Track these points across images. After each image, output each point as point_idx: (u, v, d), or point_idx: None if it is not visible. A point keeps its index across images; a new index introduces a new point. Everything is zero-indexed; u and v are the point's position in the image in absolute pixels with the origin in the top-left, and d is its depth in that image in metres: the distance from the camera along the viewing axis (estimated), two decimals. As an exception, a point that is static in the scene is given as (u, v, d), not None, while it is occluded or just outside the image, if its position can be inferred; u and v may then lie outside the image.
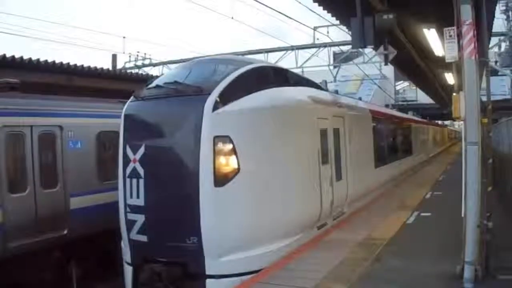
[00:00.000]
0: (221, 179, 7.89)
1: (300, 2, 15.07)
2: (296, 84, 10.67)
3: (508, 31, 26.99)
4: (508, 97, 30.28)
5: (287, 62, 26.59)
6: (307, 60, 26.72)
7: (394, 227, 10.92)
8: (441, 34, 8.89)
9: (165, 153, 8.25)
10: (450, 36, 7.46)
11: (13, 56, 11.59)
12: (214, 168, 7.87)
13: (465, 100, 7.07)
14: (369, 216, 12.52)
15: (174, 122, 8.30)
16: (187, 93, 8.34)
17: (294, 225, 9.00)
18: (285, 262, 8.25)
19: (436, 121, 50.26)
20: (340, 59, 29.96)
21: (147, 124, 8.69)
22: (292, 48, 26.38)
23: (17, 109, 9.40)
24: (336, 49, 27.98)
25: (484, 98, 8.83)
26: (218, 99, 8.04)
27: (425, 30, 11.28)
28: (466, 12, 7.00)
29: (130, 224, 8.42)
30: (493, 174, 12.00)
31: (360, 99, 20.50)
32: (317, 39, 25.73)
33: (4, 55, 11.40)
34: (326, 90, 13.91)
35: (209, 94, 8.08)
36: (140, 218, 8.28)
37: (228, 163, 8.04)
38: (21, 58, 11.79)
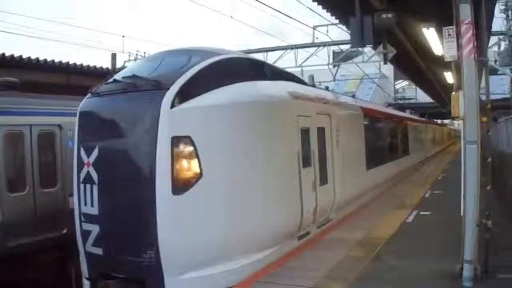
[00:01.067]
0: (180, 186, 6.98)
1: (299, 1, 15.05)
2: (275, 78, 9.48)
3: (508, 30, 27.00)
4: (508, 96, 30.27)
5: (287, 61, 26.51)
6: (306, 59, 26.70)
7: (393, 226, 10.93)
8: (440, 33, 8.88)
9: (119, 156, 7.36)
10: (449, 35, 7.47)
11: (12, 55, 11.59)
12: (172, 173, 6.94)
13: (464, 99, 7.08)
14: (369, 215, 12.52)
15: (129, 121, 7.38)
16: (145, 87, 7.41)
17: (270, 236, 8.00)
18: (284, 261, 8.24)
19: (435, 120, 50.26)
20: (340, 58, 29.93)
21: (101, 123, 7.78)
22: (292, 47, 26.35)
23: (17, 108, 9.40)
24: (335, 48, 27.95)
25: (484, 97, 8.85)
26: (178, 95, 7.12)
27: (424, 29, 11.29)
28: (465, 11, 7.00)
29: (85, 235, 7.60)
30: (493, 173, 12.01)
31: (353, 96, 19.86)
32: (317, 38, 25.72)
33: (3, 54, 11.40)
34: (313, 85, 13.17)
35: (168, 88, 7.16)
36: (95, 229, 7.45)
37: (189, 168, 7.12)
38: (20, 57, 11.80)
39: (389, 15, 9.84)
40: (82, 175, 7.65)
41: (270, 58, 26.17)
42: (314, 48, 26.21)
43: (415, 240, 9.73)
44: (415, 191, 17.13)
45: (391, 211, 12.95)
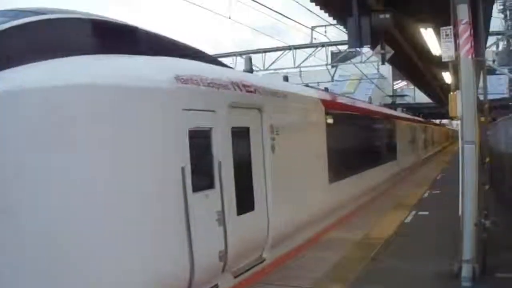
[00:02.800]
0: None
1: (297, 2, 15.06)
2: (160, 52, 6.56)
3: (506, 30, 27.03)
4: (506, 96, 30.31)
5: (285, 62, 26.52)
6: (304, 60, 26.71)
7: (392, 226, 10.94)
8: (438, 33, 8.89)
9: None
10: (447, 35, 7.49)
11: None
12: None
13: (462, 99, 7.10)
14: (367, 215, 12.54)
15: None
16: None
17: None
18: (283, 261, 8.23)
19: (431, 119, 50.18)
20: (338, 59, 29.95)
21: None
22: (290, 47, 26.35)
23: None
24: (333, 48, 27.97)
25: (482, 97, 8.87)
26: None
27: (422, 30, 11.30)
28: (463, 12, 7.01)
29: None
30: (491, 173, 12.03)
31: (345, 94, 18.45)
32: (315, 38, 25.72)
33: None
34: (251, 71, 10.43)
35: None
36: None
37: None
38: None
39: (387, 15, 9.84)
40: None
41: (268, 59, 26.24)
42: (312, 49, 26.21)
43: (414, 240, 9.74)
44: (413, 191, 17.15)
45: (390, 211, 12.96)
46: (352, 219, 11.98)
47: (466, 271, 6.84)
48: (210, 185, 6.44)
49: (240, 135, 7.42)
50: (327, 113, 11.55)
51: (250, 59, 10.72)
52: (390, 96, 36.79)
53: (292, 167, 8.93)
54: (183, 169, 5.77)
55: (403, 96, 42.44)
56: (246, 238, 7.11)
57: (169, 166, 5.72)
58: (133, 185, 5.29)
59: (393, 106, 33.60)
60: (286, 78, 13.08)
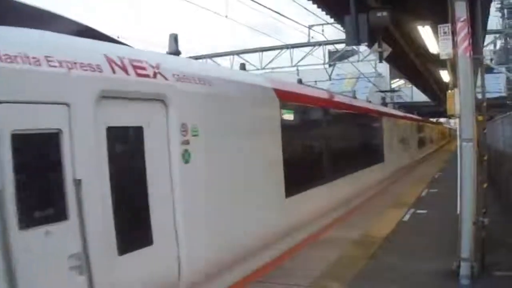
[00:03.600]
0: None
1: (294, 0, 15.04)
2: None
3: (504, 29, 27.06)
4: (503, 94, 30.35)
5: (282, 61, 26.48)
6: (302, 59, 26.68)
7: (390, 225, 10.93)
8: (435, 31, 8.88)
9: None
10: (445, 33, 7.47)
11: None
12: None
13: (460, 97, 7.09)
14: (365, 213, 12.52)
15: None
16: None
17: None
18: (281, 260, 8.21)
19: (429, 118, 50.18)
20: (335, 58, 29.94)
21: None
22: (287, 46, 26.31)
23: None
24: (331, 47, 27.95)
25: (480, 96, 8.86)
26: None
27: (420, 27, 11.29)
28: (461, 9, 7.00)
29: None
30: (489, 171, 12.05)
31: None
32: (312, 37, 25.70)
33: None
34: (177, 53, 7.74)
35: None
36: None
37: None
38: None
39: (384, 13, 9.81)
40: None
41: (265, 58, 26.21)
42: (310, 48, 26.19)
43: (412, 238, 9.72)
44: (411, 189, 17.16)
45: (388, 210, 12.95)
46: (350, 217, 11.97)
47: (464, 269, 6.83)
48: (58, 216, 4.36)
49: (125, 139, 5.49)
50: (283, 107, 9.21)
51: (175, 37, 7.87)
52: (381, 91, 36.21)
53: (223, 180, 6.84)
54: None
55: (394, 91, 41.99)
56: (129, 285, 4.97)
57: None
58: None
59: (390, 104, 33.56)
60: (243, 67, 11.28)
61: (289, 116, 9.54)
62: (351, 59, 30.20)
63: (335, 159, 12.23)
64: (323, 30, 25.03)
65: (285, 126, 9.11)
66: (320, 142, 11.81)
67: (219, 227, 6.62)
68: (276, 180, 8.65)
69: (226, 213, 6.82)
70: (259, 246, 7.65)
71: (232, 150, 7.23)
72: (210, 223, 6.44)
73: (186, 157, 5.99)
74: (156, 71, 5.80)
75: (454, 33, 7.20)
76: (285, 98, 9.39)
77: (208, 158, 6.49)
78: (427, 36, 11.62)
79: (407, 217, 12.00)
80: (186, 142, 6.01)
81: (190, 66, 7.22)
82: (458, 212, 7.16)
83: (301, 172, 9.71)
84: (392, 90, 41.33)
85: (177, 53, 7.75)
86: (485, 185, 7.67)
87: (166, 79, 5.89)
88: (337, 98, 14.65)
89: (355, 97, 19.11)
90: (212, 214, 6.49)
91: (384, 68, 38.83)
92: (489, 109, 9.96)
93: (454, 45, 7.23)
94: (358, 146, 15.38)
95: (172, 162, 5.82)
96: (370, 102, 22.14)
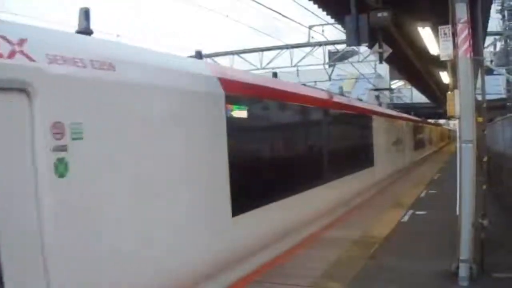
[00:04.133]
0: None
1: (295, 1, 15.04)
2: None
3: (504, 31, 27.06)
4: (503, 96, 30.36)
5: (283, 61, 26.49)
6: (301, 59, 26.70)
7: (389, 226, 10.93)
8: (436, 32, 8.89)
9: None
10: (445, 34, 7.47)
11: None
12: None
13: (460, 98, 7.09)
14: (364, 214, 12.52)
15: None
16: None
17: None
18: (280, 261, 8.20)
19: (428, 119, 50.12)
20: (335, 58, 29.94)
21: None
22: (287, 47, 26.31)
23: None
24: (331, 48, 27.96)
25: (480, 97, 8.86)
26: None
27: (420, 29, 11.29)
28: (462, 10, 6.99)
29: None
30: (488, 173, 12.06)
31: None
32: (312, 37, 25.70)
33: None
34: (88, 31, 5.62)
35: None
36: None
37: None
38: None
39: (385, 14, 9.82)
40: None
41: (266, 58, 26.23)
42: (310, 48, 26.19)
43: (411, 239, 9.72)
44: (410, 190, 17.16)
45: (387, 211, 12.95)
46: (349, 217, 11.97)
47: (463, 270, 6.82)
48: None
49: None
50: (231, 101, 7.26)
51: (86, 11, 5.82)
52: (375, 89, 35.78)
53: (124, 200, 5.04)
54: None
55: (390, 89, 41.70)
56: None
57: None
58: None
59: (390, 106, 33.50)
60: (199, 55, 8.76)
61: (239, 113, 7.55)
62: (351, 59, 30.20)
63: (306, 165, 10.28)
64: (323, 31, 25.06)
65: (234, 126, 7.22)
66: (285, 146, 9.87)
67: (114, 274, 4.74)
68: (219, 195, 6.80)
69: (123, 253, 4.86)
70: (192, 278, 5.92)
71: (142, 159, 5.37)
72: (101, 270, 4.58)
73: (60, 169, 4.26)
74: (17, 49, 4.06)
75: (454, 34, 7.19)
76: (234, 90, 7.41)
77: (100, 170, 4.72)
78: (428, 37, 11.64)
79: (406, 218, 12.00)
80: (62, 148, 4.28)
81: (84, 44, 5.17)
82: (457, 213, 7.16)
83: (255, 184, 7.85)
84: (388, 89, 41.06)
85: (88, 32, 5.71)
86: (484, 187, 7.67)
87: (31, 60, 4.15)
88: (311, 93, 11.88)
89: (342, 94, 17.14)
90: (102, 255, 4.60)
91: (383, 69, 38.84)
92: (489, 111, 9.96)
93: (455, 46, 7.23)
94: (338, 150, 12.86)
95: (39, 175, 4.08)
96: (360, 100, 20.37)
